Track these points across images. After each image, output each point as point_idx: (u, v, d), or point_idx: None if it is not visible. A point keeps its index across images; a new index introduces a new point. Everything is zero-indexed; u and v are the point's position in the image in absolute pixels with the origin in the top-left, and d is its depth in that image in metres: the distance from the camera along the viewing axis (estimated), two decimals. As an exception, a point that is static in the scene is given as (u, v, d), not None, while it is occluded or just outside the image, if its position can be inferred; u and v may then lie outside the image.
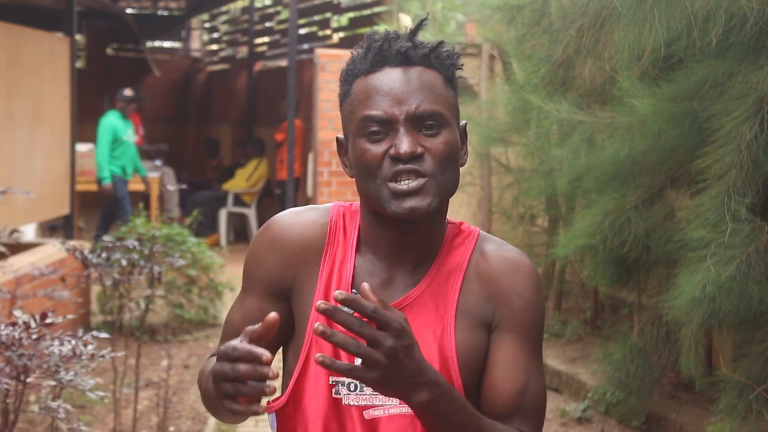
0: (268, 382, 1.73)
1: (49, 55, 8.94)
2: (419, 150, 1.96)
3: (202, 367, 2.13)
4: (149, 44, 19.40)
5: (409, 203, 1.96)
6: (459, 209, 9.79)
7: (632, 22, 4.68)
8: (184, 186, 10.01)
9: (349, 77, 2.05)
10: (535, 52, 6.04)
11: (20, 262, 7.30)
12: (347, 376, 1.74)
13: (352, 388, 2.03)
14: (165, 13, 19.67)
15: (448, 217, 2.16)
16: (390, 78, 1.99)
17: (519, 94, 7.20)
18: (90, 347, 4.06)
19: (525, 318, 2.05)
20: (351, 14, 14.38)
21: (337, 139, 2.12)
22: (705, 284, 4.32)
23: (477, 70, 9.83)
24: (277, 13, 16.61)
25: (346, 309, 1.74)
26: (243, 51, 18.12)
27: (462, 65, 2.10)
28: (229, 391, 1.76)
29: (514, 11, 6.38)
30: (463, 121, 2.11)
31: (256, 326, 1.79)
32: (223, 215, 13.74)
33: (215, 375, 1.78)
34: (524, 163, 8.45)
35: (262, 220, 13.80)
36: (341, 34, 14.60)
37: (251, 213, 13.91)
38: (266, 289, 2.13)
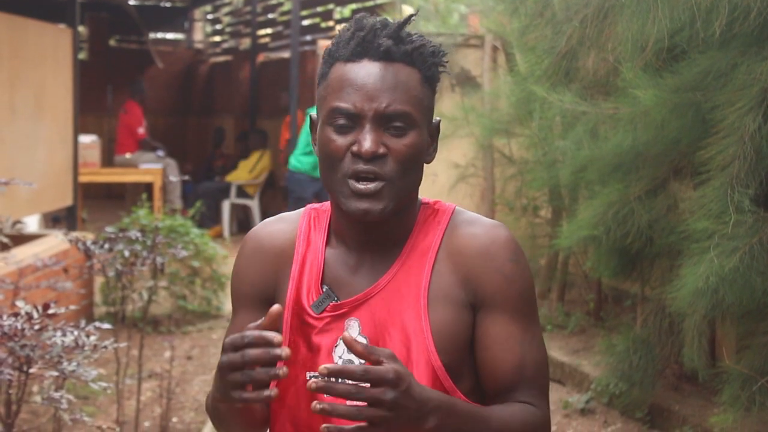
0: (280, 369, 1.75)
1: (51, 47, 8.94)
2: (381, 150, 1.96)
3: (208, 394, 2.13)
4: (152, 36, 19.37)
5: (363, 205, 1.97)
6: (462, 200, 9.77)
7: (635, 13, 4.67)
8: (186, 177, 10.01)
9: (330, 59, 2.05)
10: (538, 44, 6.02)
11: (23, 253, 7.30)
12: None
13: (332, 380, 2.04)
14: (168, 5, 19.64)
15: (434, 199, 2.17)
16: (366, 72, 1.98)
17: (522, 86, 7.19)
18: (93, 338, 4.06)
19: (509, 293, 2.03)
20: (354, 5, 14.36)
21: (311, 116, 2.12)
22: (708, 275, 4.32)
23: (480, 61, 9.82)
24: (280, 4, 16.59)
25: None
26: (246, 42, 18.10)
27: (446, 62, 2.09)
28: (238, 380, 1.77)
29: (517, 2, 6.37)
30: (437, 118, 2.11)
31: (260, 321, 1.81)
32: (226, 207, 13.74)
33: (222, 368, 1.79)
34: (527, 154, 8.44)
35: (264, 211, 13.83)
36: (344, 26, 14.57)
37: (254, 204, 13.92)
38: (253, 302, 2.16)
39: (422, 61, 2.02)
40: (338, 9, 14.82)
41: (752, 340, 4.93)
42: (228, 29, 19.64)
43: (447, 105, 9.60)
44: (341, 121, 1.97)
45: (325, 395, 1.84)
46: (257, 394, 1.77)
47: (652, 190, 5.60)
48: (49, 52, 8.89)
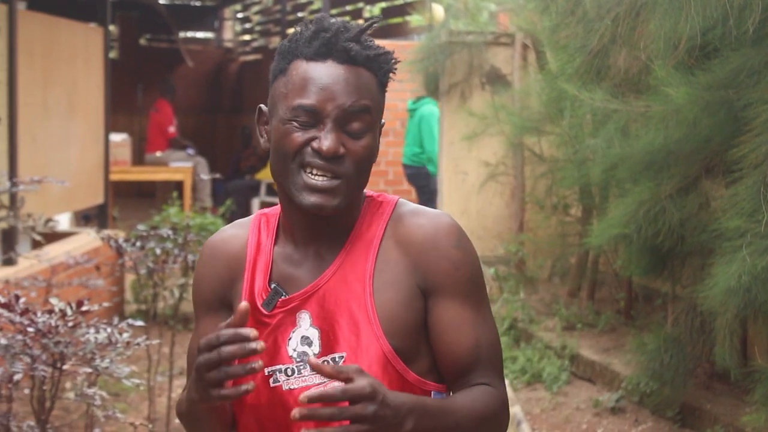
0: (256, 362, 1.84)
1: (83, 46, 8.99)
2: (341, 150, 2.02)
3: (179, 400, 2.19)
4: (182, 35, 19.44)
5: (318, 199, 2.03)
6: (492, 199, 9.76)
7: (668, 11, 4.66)
8: (217, 175, 10.05)
9: (288, 55, 2.10)
10: (569, 42, 6.01)
11: (56, 251, 7.35)
12: None
13: (290, 374, 2.10)
14: (198, 4, 19.71)
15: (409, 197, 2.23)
16: (330, 72, 2.03)
17: (553, 84, 7.17)
18: (125, 335, 4.09)
19: (458, 278, 2.10)
20: (383, 4, 14.37)
21: (260, 108, 2.18)
22: (740, 274, 4.29)
23: (510, 59, 9.80)
24: (310, 3, 16.62)
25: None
26: (275, 41, 18.14)
27: (396, 70, 2.15)
28: (215, 378, 1.86)
29: (548, 0, 6.36)
30: (383, 120, 2.16)
31: (230, 319, 1.89)
32: (255, 204, 13.77)
33: (199, 368, 1.87)
34: (558, 152, 8.41)
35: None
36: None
37: (284, 202, 13.93)
38: (214, 306, 2.23)
39: (379, 67, 2.09)
40: (368, 8, 14.84)
41: (785, 339, 4.90)
42: (258, 28, 19.69)
43: (477, 103, 9.59)
44: (303, 118, 2.02)
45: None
46: (235, 389, 1.85)
47: (684, 188, 5.57)
48: (81, 51, 8.95)
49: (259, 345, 1.81)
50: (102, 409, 4.18)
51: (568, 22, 5.97)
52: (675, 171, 5.58)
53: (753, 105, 4.49)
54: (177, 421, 6.31)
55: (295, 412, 1.79)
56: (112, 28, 15.02)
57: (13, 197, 6.48)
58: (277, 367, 2.09)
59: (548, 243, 8.93)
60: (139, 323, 4.34)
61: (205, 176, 12.37)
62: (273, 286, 2.12)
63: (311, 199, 2.02)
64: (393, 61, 2.12)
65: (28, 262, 6.75)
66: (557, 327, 7.91)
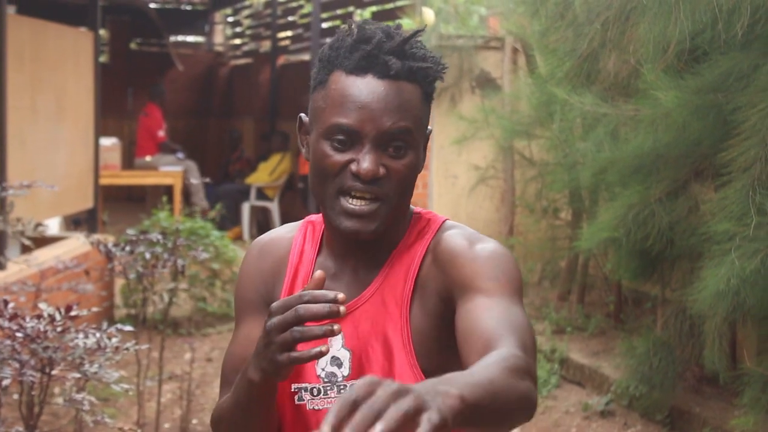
0: (335, 324, 1.67)
1: (72, 50, 8.97)
2: (381, 172, 1.91)
3: (215, 408, 2.09)
4: (172, 39, 19.42)
5: (355, 225, 1.92)
6: (482, 202, 9.77)
7: (657, 15, 4.66)
8: (207, 180, 10.04)
9: (328, 65, 1.98)
10: (559, 46, 6.02)
11: (45, 256, 7.33)
12: None
13: (315, 393, 2.01)
14: (188, 8, 19.70)
15: (441, 211, 2.14)
16: (370, 90, 1.91)
17: (543, 88, 7.19)
18: (114, 340, 4.08)
19: (488, 271, 1.87)
20: (374, 8, 14.36)
21: (301, 117, 2.07)
22: (729, 277, 4.30)
23: (500, 63, 9.81)
24: (300, 7, 16.61)
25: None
26: (266, 45, 18.12)
27: (445, 74, 2.02)
28: (287, 339, 1.70)
29: (537, 4, 6.36)
30: (429, 128, 2.05)
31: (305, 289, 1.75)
32: (245, 209, 13.76)
33: (270, 330, 1.71)
34: (548, 156, 8.43)
35: (284, 213, 13.83)
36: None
37: (274, 207, 13.93)
38: (259, 308, 2.13)
39: (424, 77, 1.96)
40: (358, 11, 14.83)
41: (774, 343, 4.91)
42: (248, 32, 19.67)
43: (467, 107, 9.60)
44: (340, 137, 1.92)
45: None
46: (307, 351, 1.70)
47: (673, 192, 5.59)
48: (71, 56, 8.93)
49: (342, 309, 1.66)
50: (91, 414, 4.16)
51: (557, 26, 5.97)
52: (664, 174, 5.59)
53: (742, 109, 4.50)
54: (166, 425, 6.32)
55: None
56: (102, 32, 15.00)
57: (2, 202, 6.46)
58: (303, 385, 2.02)
59: (538, 246, 8.94)
60: (129, 328, 4.32)
61: (195, 180, 12.37)
62: None
63: (348, 224, 1.92)
64: (439, 67, 1.99)
65: (17, 267, 6.73)
66: (547, 330, 7.92)
